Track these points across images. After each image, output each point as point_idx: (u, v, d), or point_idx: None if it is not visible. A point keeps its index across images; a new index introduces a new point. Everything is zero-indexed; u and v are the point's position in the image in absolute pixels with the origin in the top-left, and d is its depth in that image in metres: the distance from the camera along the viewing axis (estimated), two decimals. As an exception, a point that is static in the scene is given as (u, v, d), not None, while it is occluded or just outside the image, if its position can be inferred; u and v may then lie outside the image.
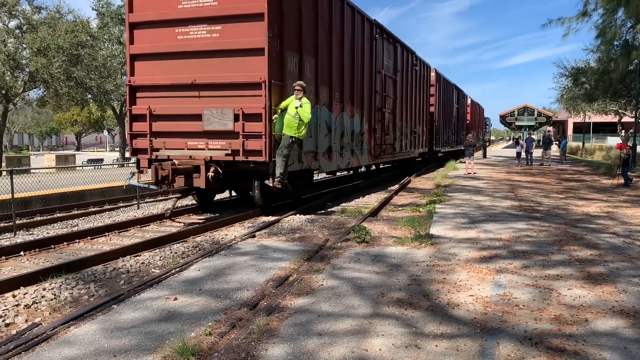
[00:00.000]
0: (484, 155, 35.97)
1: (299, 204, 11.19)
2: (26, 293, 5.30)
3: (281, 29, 9.38)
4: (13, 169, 10.93)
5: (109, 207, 13.01)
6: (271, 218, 9.55)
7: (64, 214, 11.66)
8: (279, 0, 9.29)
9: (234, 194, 12.80)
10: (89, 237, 8.50)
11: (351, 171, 16.19)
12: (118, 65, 28.98)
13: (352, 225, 8.28)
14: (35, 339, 3.90)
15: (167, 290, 5.06)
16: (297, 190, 10.86)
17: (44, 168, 19.72)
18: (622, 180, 15.79)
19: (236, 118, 9.17)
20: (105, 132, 70.86)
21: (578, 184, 16.44)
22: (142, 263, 6.62)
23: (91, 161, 30.41)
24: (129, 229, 9.32)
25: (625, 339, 3.88)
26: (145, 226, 9.65)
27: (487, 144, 49.42)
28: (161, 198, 14.43)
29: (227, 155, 9.30)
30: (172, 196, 11.39)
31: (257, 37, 8.98)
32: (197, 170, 9.33)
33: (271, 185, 9.40)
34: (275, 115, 9.28)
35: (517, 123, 65.60)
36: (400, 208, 10.96)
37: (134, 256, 7.01)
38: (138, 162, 10.12)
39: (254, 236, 7.84)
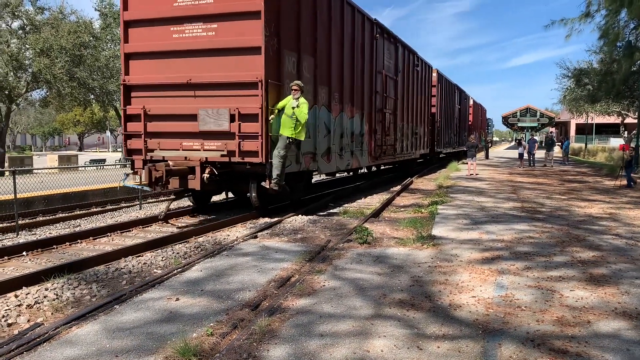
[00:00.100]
0: (486, 157, 35.96)
1: (299, 205, 11.08)
2: (28, 293, 5.32)
3: (278, 28, 9.25)
4: (16, 169, 10.93)
5: (111, 207, 13.02)
6: (274, 219, 9.53)
7: (67, 214, 11.68)
8: None
9: (230, 195, 12.65)
10: (91, 238, 8.51)
11: (351, 172, 16.03)
12: (120, 66, 28.99)
13: (354, 226, 8.28)
14: (38, 339, 3.91)
15: (169, 291, 5.07)
16: (295, 192, 10.73)
17: (46, 168, 19.76)
18: (624, 182, 15.76)
19: (232, 118, 9.04)
20: (108, 133, 71.08)
21: (580, 185, 16.41)
22: (144, 263, 6.63)
23: (94, 161, 30.46)
24: (131, 229, 9.33)
25: (628, 340, 3.87)
26: (147, 226, 9.65)
27: (490, 145, 49.40)
28: (163, 199, 14.44)
29: (222, 156, 9.17)
30: (170, 197, 11.29)
31: (254, 36, 8.86)
32: (192, 171, 9.21)
33: (268, 187, 9.27)
34: (272, 116, 9.14)
35: (520, 124, 65.54)
36: (402, 209, 10.94)
37: (136, 256, 7.02)
38: (132, 163, 10.01)
39: (256, 237, 7.84)
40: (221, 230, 8.96)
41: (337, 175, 15.76)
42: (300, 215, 9.92)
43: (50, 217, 11.46)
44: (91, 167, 22.47)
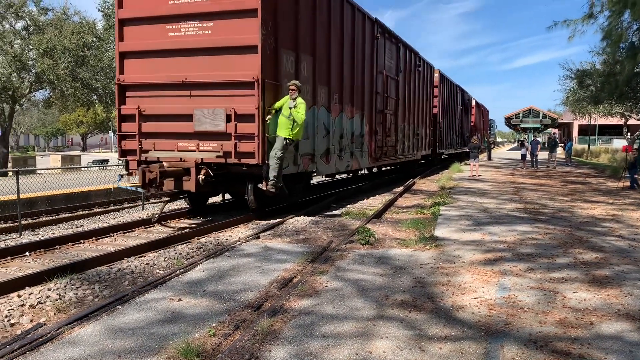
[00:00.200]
0: (489, 158, 35.89)
1: (297, 207, 10.92)
2: (31, 293, 5.33)
3: (276, 26, 9.12)
4: (19, 170, 10.98)
5: (114, 207, 13.05)
6: (276, 220, 9.51)
7: (69, 215, 11.71)
8: None
9: (228, 196, 12.45)
10: (94, 238, 8.54)
11: (351, 174, 15.85)
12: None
13: (356, 227, 8.28)
14: (40, 339, 3.92)
15: (171, 291, 5.07)
16: (293, 195, 10.57)
17: (49, 169, 19.81)
18: (627, 183, 15.72)
19: (228, 118, 8.91)
20: (111, 133, 71.08)
21: (583, 186, 16.37)
22: (147, 264, 6.63)
23: (96, 162, 30.51)
24: (133, 229, 9.34)
25: (631, 342, 3.85)
26: (150, 227, 9.67)
27: (492, 146, 49.34)
28: (166, 199, 14.44)
29: (218, 157, 9.02)
30: (164, 199, 11.21)
31: (251, 35, 8.73)
32: (187, 172, 9.09)
33: (265, 188, 9.11)
34: (269, 116, 9.01)
35: (522, 125, 65.40)
36: (404, 210, 10.93)
37: (139, 257, 7.03)
38: (127, 163, 9.91)
39: (258, 237, 7.84)
40: (223, 230, 8.96)
41: (338, 176, 15.67)
42: (302, 216, 9.90)
43: (53, 217, 11.49)
44: (94, 168, 22.54)
